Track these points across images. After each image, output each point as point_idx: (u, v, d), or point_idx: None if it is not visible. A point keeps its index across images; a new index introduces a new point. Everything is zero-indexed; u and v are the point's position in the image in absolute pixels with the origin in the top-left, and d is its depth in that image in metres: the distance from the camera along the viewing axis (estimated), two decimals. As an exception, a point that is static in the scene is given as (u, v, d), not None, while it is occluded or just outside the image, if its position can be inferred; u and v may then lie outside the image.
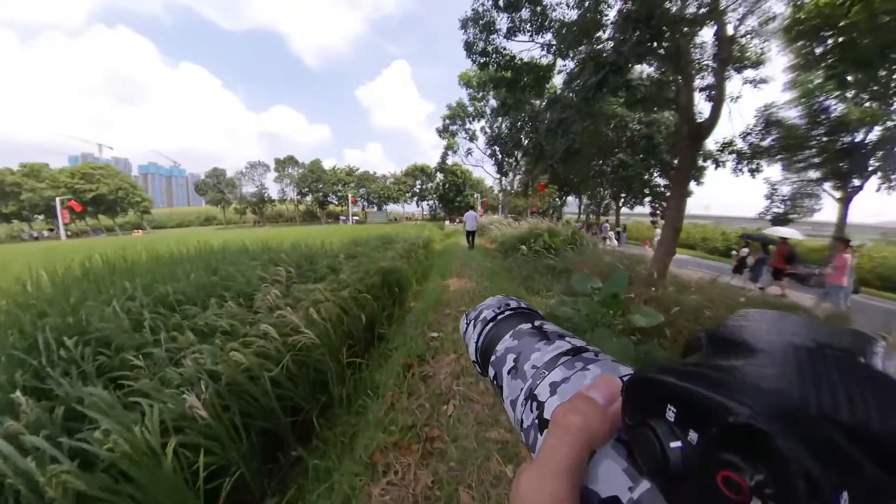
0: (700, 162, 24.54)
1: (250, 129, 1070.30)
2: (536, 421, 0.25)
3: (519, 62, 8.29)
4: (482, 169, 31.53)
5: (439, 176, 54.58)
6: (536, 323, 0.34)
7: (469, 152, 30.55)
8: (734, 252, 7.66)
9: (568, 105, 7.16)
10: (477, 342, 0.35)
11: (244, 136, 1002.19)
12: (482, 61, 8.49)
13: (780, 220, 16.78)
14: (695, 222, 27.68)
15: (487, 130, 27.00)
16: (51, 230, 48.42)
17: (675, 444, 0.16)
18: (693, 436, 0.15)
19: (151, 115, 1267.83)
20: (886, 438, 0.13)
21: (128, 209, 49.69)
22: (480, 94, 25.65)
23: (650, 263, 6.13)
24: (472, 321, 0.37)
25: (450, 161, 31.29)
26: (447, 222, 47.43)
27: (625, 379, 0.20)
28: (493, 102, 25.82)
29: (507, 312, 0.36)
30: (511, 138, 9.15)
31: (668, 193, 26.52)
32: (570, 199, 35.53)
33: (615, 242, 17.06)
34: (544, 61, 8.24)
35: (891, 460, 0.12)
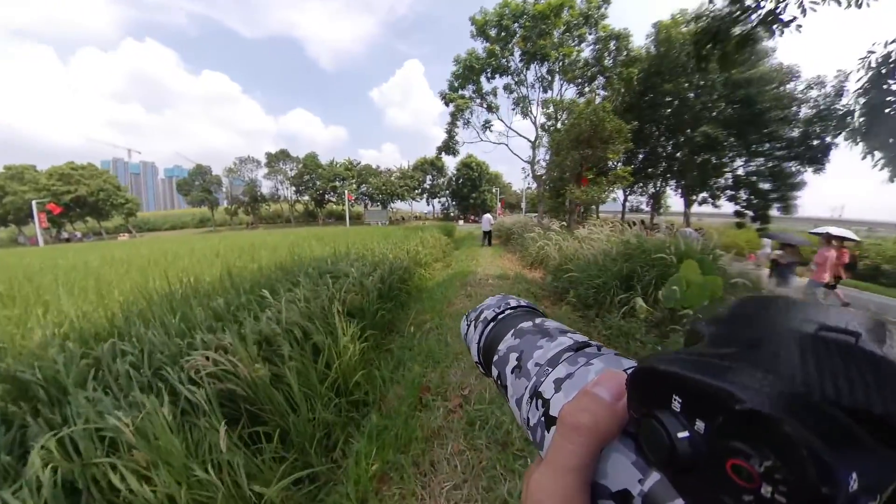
0: (831, 137, 16.51)
1: (269, 132, 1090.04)
2: (543, 419, 0.25)
3: None
4: (506, 148, 21.89)
5: (451, 165, 47.95)
6: (538, 321, 0.33)
7: (487, 125, 21.02)
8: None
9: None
10: (479, 343, 0.35)
11: (263, 138, 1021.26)
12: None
13: None
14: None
15: (514, 88, 18.94)
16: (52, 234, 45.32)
17: (683, 434, 0.15)
18: (700, 425, 0.15)
19: (176, 121, 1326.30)
20: (889, 419, 0.13)
21: (111, 211, 45.59)
22: (501, 46, 18.19)
23: None
24: (473, 322, 0.37)
25: (459, 141, 22.21)
26: (461, 222, 40.90)
27: (629, 372, 0.20)
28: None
29: (508, 311, 0.36)
30: None
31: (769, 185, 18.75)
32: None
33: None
34: None
35: (894, 439, 0.13)
